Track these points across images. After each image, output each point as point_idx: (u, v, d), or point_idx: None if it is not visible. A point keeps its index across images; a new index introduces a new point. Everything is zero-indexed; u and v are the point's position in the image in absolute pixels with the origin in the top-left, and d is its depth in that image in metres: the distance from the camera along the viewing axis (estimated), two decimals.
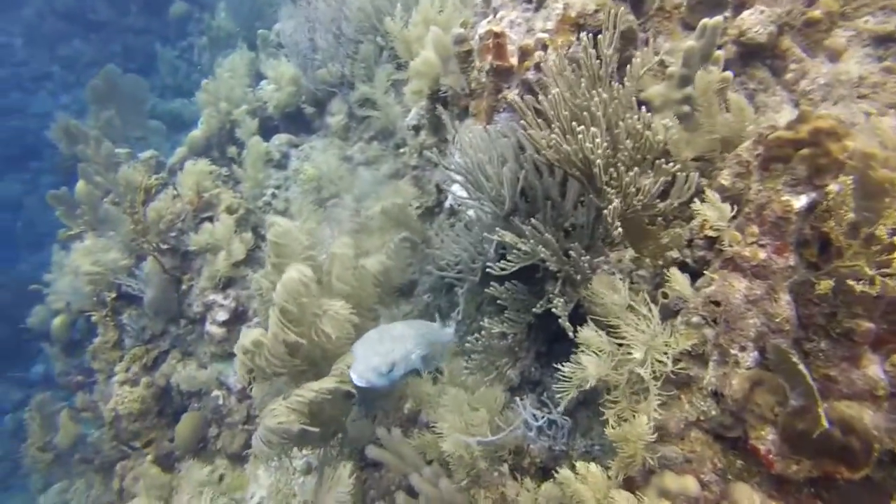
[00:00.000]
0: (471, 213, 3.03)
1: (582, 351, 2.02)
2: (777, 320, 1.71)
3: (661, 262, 2.32)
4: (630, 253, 2.48)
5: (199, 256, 4.07)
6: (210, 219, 4.03)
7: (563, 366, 2.05)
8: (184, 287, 4.11)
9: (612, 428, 1.89)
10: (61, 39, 12.37)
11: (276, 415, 2.41)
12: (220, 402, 3.94)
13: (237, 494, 3.64)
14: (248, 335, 2.37)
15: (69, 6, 12.06)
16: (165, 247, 4.00)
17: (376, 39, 4.57)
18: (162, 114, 9.20)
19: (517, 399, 2.33)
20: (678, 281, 2.05)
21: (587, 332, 2.07)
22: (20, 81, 12.96)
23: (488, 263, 2.24)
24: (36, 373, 9.48)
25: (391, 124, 4.65)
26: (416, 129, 3.69)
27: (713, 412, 1.87)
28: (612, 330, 2.07)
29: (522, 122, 2.18)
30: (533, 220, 2.19)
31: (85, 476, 5.11)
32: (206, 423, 4.05)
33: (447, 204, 3.19)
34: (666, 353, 1.96)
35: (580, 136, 1.96)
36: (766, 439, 1.72)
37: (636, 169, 2.05)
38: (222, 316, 3.89)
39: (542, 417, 2.22)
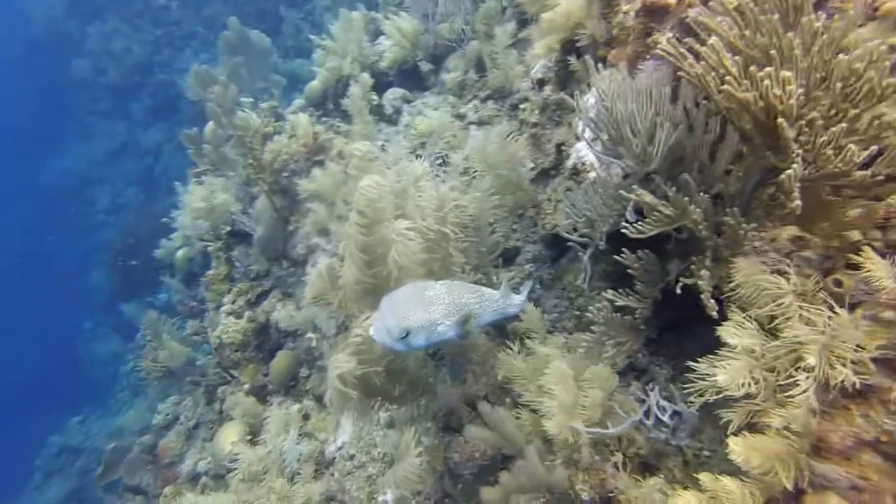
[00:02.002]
0: (594, 174, 2.70)
1: (726, 348, 1.67)
2: None
3: (835, 244, 1.86)
4: (789, 231, 2.03)
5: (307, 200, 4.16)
6: (321, 163, 4.08)
7: (699, 362, 1.72)
8: (290, 228, 4.24)
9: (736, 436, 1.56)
10: (208, 1, 13.50)
11: (338, 365, 2.31)
12: (313, 344, 4.04)
13: (321, 435, 3.73)
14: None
15: None
16: (277, 187, 4.13)
17: None
18: (282, 73, 9.69)
19: (646, 385, 2.01)
20: (876, 266, 1.61)
21: (735, 322, 1.71)
22: (172, 40, 14.42)
23: (624, 222, 1.91)
24: (161, 299, 10.64)
25: (509, 84, 4.38)
26: (541, 83, 3.38)
27: None
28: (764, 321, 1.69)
29: (683, 67, 1.81)
30: (685, 176, 1.84)
31: (193, 395, 5.61)
32: (298, 362, 4.20)
33: (569, 163, 2.87)
34: (849, 359, 1.56)
35: (765, 81, 1.55)
36: None
37: (841, 126, 1.60)
38: (323, 259, 3.95)
39: (669, 410, 1.90)
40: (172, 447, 5.21)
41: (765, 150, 1.77)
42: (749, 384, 1.59)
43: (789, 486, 1.52)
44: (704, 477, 1.61)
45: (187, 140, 5.44)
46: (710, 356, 1.74)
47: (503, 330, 3.44)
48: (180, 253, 6.86)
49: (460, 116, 4.47)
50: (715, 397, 1.67)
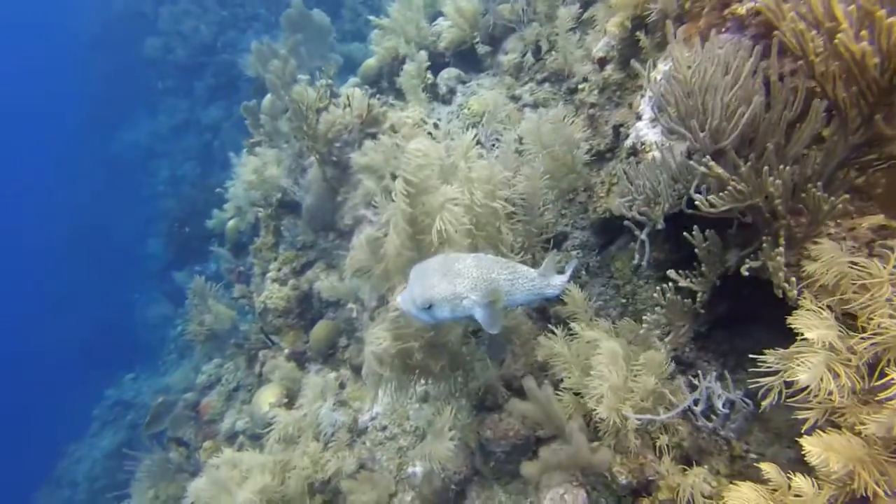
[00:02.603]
0: (654, 153, 2.57)
1: (803, 343, 1.54)
2: None
3: None
4: (872, 220, 1.85)
5: (356, 172, 4.20)
6: (374, 135, 4.10)
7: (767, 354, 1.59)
8: (339, 199, 4.30)
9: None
10: None
11: (373, 341, 2.30)
12: (354, 314, 4.09)
13: (355, 404, 3.78)
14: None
15: None
16: (329, 157, 4.18)
17: None
18: (339, 55, 9.83)
19: (700, 371, 1.91)
20: None
21: (809, 311, 1.57)
22: (236, 21, 14.91)
23: (694, 194, 1.79)
24: (210, 269, 11.11)
25: (568, 67, 4.25)
26: (602, 62, 3.25)
27: None
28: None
29: (780, 26, 1.67)
30: (769, 145, 1.71)
31: (234, 359, 5.83)
32: (338, 332, 4.27)
33: (628, 143, 2.75)
34: None
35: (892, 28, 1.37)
36: None
37: None
38: (373, 232, 3.96)
39: (723, 397, 1.78)
40: (214, 406, 5.44)
41: (859, 123, 1.62)
42: (830, 381, 1.46)
43: (871, 493, 1.39)
44: (768, 468, 1.49)
45: (245, 112, 5.61)
46: (777, 350, 1.62)
47: (545, 313, 3.37)
48: (231, 223, 7.11)
49: (515, 98, 4.38)
50: (784, 394, 1.56)
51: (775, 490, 1.52)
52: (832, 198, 1.55)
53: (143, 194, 17.87)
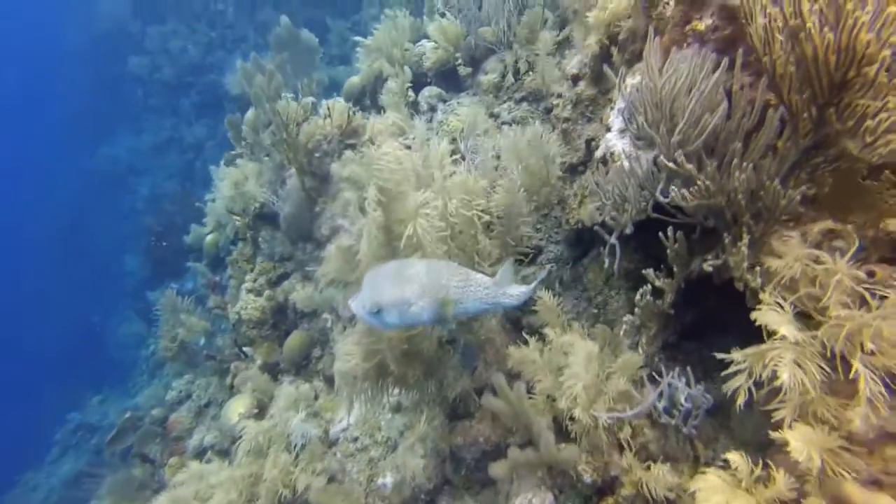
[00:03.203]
0: (623, 162, 2.67)
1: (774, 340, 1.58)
2: None
3: (870, 234, 1.78)
4: (821, 225, 1.94)
5: (336, 182, 4.23)
6: (353, 146, 4.16)
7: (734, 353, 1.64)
8: (317, 209, 4.31)
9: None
10: (261, 7, 14.13)
11: (346, 355, 2.28)
12: (328, 324, 4.06)
13: (327, 415, 3.71)
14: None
15: None
16: (309, 168, 4.21)
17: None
18: (322, 79, 9.97)
19: (661, 367, 1.95)
20: None
21: (771, 306, 1.63)
22: (224, 42, 15.08)
23: (660, 197, 1.86)
24: (186, 287, 10.91)
25: (545, 87, 4.41)
26: (575, 78, 3.39)
27: None
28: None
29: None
30: (733, 146, 1.79)
31: (206, 375, 5.70)
32: (312, 342, 4.22)
33: (598, 154, 2.85)
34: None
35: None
36: None
37: None
38: (347, 241, 3.98)
39: (685, 392, 1.81)
40: (182, 422, 5.27)
41: (809, 129, 1.71)
42: (804, 376, 1.49)
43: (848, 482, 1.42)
44: (735, 457, 1.51)
45: (229, 125, 5.65)
46: (746, 350, 1.66)
47: (518, 324, 3.39)
48: (209, 238, 7.05)
49: (494, 116, 4.50)
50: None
51: (741, 480, 1.54)
52: (789, 191, 1.63)
53: (123, 210, 17.61)
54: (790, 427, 1.53)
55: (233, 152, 5.67)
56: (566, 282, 3.59)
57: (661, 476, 1.71)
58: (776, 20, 1.57)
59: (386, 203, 2.27)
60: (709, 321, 2.42)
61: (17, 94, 29.71)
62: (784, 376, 1.51)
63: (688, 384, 1.86)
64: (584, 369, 2.00)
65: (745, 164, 1.68)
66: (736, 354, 1.69)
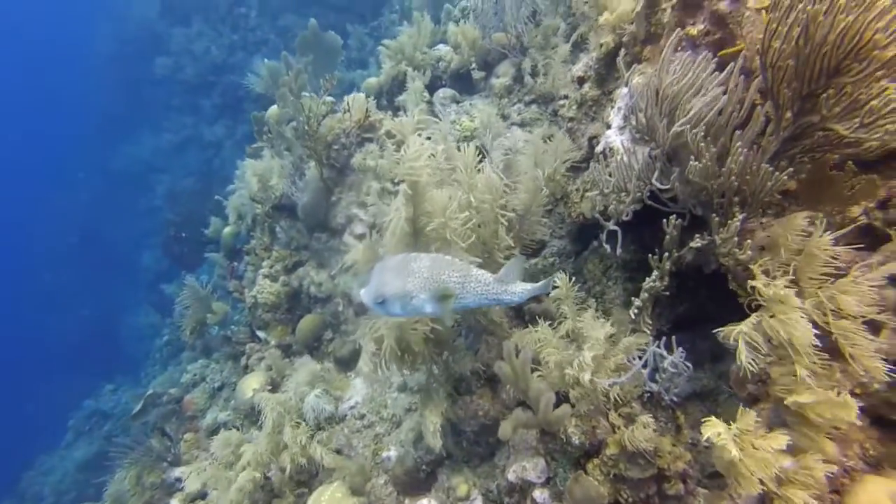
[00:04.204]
0: (621, 157, 2.84)
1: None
2: None
3: (838, 220, 1.95)
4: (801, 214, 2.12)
5: (352, 174, 4.44)
6: (370, 140, 4.37)
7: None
8: (333, 198, 4.53)
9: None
10: (283, 12, 14.57)
11: (375, 330, 2.42)
12: (340, 308, 4.25)
13: (336, 394, 3.89)
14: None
15: None
16: (327, 160, 4.44)
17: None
18: (342, 81, 10.25)
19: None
20: None
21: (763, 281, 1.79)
22: (246, 44, 15.53)
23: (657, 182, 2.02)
24: (202, 281, 11.20)
25: (555, 91, 4.59)
26: (581, 80, 3.58)
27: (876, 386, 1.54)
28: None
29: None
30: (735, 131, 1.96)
31: (220, 360, 5.92)
32: (324, 325, 4.41)
33: (598, 149, 3.03)
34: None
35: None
36: None
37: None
38: (360, 229, 4.20)
39: (667, 359, 1.98)
40: (196, 402, 5.49)
41: (791, 120, 1.88)
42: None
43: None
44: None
45: (255, 120, 5.92)
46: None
47: (520, 311, 3.55)
48: (227, 230, 7.29)
49: (504, 117, 4.70)
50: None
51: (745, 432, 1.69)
52: (776, 173, 1.80)
53: (142, 207, 18.08)
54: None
55: (254, 145, 5.94)
56: (569, 274, 3.76)
57: (644, 431, 1.86)
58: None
59: (413, 196, 2.42)
60: (699, 315, 2.58)
61: (46, 95, 30.73)
62: (797, 333, 1.67)
63: (670, 352, 2.02)
64: (600, 345, 2.16)
65: (737, 146, 1.85)
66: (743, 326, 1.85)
